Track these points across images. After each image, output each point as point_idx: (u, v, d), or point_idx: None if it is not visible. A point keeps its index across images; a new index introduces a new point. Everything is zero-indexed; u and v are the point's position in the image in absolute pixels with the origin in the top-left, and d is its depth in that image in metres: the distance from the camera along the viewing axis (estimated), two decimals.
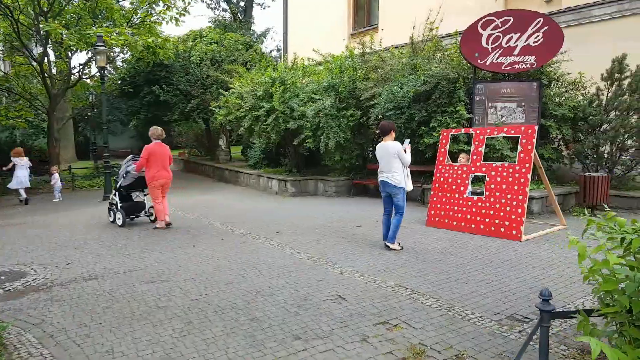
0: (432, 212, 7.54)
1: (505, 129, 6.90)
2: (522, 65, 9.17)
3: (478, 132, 7.23)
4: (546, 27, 8.98)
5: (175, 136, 25.80)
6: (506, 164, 6.76)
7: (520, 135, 6.64)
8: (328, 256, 5.87)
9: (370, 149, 12.88)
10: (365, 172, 12.32)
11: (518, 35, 9.12)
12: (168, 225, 8.00)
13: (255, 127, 12.67)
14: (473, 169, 7.14)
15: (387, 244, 6.14)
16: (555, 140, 9.80)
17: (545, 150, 9.27)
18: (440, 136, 7.74)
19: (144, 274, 5.28)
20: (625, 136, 8.36)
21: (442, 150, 7.63)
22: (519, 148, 6.61)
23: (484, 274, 4.99)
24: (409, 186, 6.11)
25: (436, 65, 9.90)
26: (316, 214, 9.15)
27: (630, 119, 8.21)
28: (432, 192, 7.67)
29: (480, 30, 9.27)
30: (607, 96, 8.98)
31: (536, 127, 6.54)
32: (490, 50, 9.26)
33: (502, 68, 9.27)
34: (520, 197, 6.45)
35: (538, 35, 9.02)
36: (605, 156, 8.79)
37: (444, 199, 7.43)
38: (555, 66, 9.67)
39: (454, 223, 7.20)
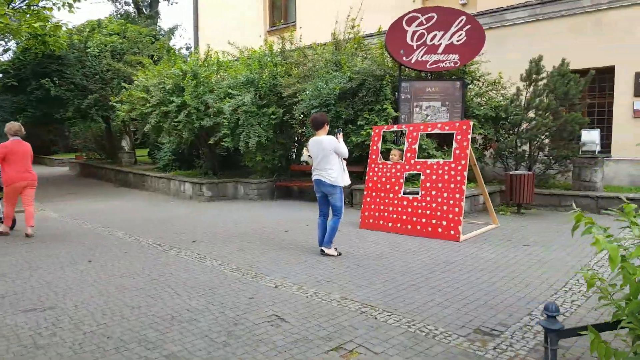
0: (366, 213, 7.04)
1: (439, 125, 6.61)
2: (446, 63, 9.07)
3: (411, 128, 6.86)
4: (469, 26, 8.97)
5: (71, 138, 23.22)
6: (441, 161, 6.45)
7: (455, 132, 6.36)
8: (257, 267, 5.08)
9: (294, 149, 12.23)
10: (289, 174, 11.63)
11: (442, 33, 9.01)
12: (29, 236, 6.78)
13: (164, 125, 11.44)
14: (407, 167, 6.75)
15: (324, 249, 5.49)
16: (477, 139, 9.85)
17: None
18: (372, 133, 7.28)
19: (20, 300, 4.11)
20: (544, 135, 8.52)
21: (374, 148, 7.17)
22: (454, 145, 6.33)
23: (434, 279, 4.52)
24: (346, 180, 5.53)
25: (361, 61, 9.49)
26: (238, 219, 8.27)
27: (548, 119, 8.38)
28: (365, 193, 7.18)
29: (405, 26, 9.03)
30: (525, 96, 9.16)
31: (471, 123, 6.31)
32: (415, 47, 9.05)
33: (427, 66, 9.10)
34: (457, 195, 6.15)
35: (461, 34, 8.98)
36: (526, 155, 8.93)
37: (378, 200, 6.96)
38: (475, 66, 9.73)
39: (389, 224, 6.75)
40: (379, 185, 6.98)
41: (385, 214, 6.84)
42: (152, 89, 11.47)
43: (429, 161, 6.58)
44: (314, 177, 5.57)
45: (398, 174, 6.83)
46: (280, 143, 11.53)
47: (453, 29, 8.99)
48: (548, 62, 9.13)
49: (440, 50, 9.05)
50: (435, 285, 4.35)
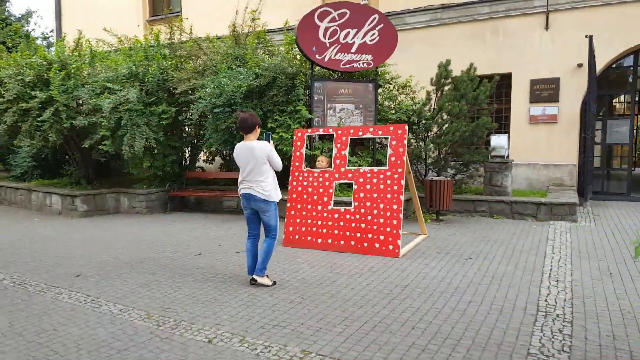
0: (290, 228, 6.17)
1: (371, 130, 6.00)
2: (360, 64, 8.59)
3: (340, 132, 6.16)
4: (381, 25, 8.59)
5: None
6: (375, 169, 5.85)
7: (389, 137, 5.81)
8: (175, 311, 3.92)
9: (188, 153, 10.84)
10: (184, 182, 10.22)
11: (355, 31, 8.50)
12: None
13: (23, 125, 9.28)
14: (337, 175, 6.04)
15: (256, 277, 4.49)
16: None
17: (381, 154, 8.88)
18: (294, 137, 6.43)
19: None
20: (456, 140, 8.46)
21: (298, 153, 6.33)
22: (389, 151, 5.77)
23: (398, 311, 3.84)
24: (278, 195, 4.60)
25: (268, 57, 8.57)
26: (128, 240, 6.80)
27: (460, 123, 8.34)
28: (288, 205, 6.29)
29: (317, 21, 8.34)
30: (435, 100, 9.07)
31: (406, 127, 5.80)
32: (328, 45, 8.41)
33: (341, 66, 8.53)
34: (395, 206, 5.59)
35: (374, 34, 8.57)
36: (436, 160, 8.82)
37: (304, 212, 6.13)
38: (386, 69, 9.42)
39: (319, 240, 5.97)
40: (305, 196, 6.16)
41: (314, 229, 6.04)
42: (7, 81, 9.26)
43: (362, 169, 5.94)
44: (242, 191, 4.55)
45: (327, 183, 6.08)
46: (172, 146, 10.11)
47: (366, 28, 8.54)
48: (441, 58, 9.21)
49: (353, 49, 8.53)
50: (405, 320, 3.65)
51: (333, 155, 6.12)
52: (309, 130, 6.44)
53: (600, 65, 9.41)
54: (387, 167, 5.75)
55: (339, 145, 6.10)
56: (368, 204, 5.76)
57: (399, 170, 5.65)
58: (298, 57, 9.33)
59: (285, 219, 6.25)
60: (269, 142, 4.60)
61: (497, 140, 8.61)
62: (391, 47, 8.67)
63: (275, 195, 4.52)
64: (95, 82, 9.38)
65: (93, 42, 11.06)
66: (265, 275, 4.56)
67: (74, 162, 10.87)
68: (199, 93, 8.81)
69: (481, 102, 8.65)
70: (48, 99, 9.09)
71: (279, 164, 4.58)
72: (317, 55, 8.35)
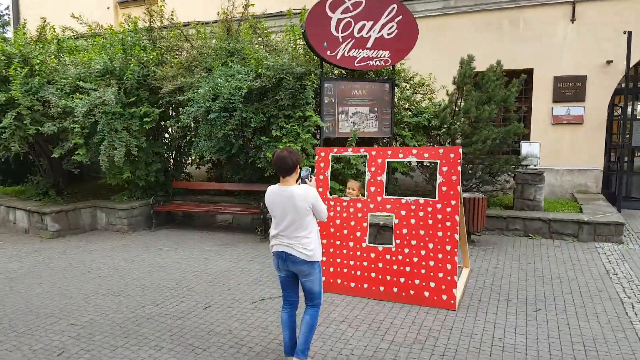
0: None
1: (414, 151, 4.96)
2: (376, 61, 7.52)
3: (374, 153, 5.11)
4: (400, 17, 7.53)
5: None
6: (422, 200, 4.84)
7: (438, 161, 4.80)
8: None
9: (172, 159, 9.58)
10: (170, 191, 8.99)
11: (371, 23, 7.41)
12: None
13: None
14: (372, 206, 5.01)
15: None
16: None
17: (400, 164, 7.90)
18: (317, 157, 5.34)
19: None
20: (486, 149, 7.51)
21: (322, 177, 5.26)
22: (439, 179, 4.77)
23: None
24: (320, 254, 3.56)
25: (271, 54, 7.37)
26: (114, 279, 5.62)
27: (491, 130, 7.40)
28: None
29: (328, 12, 7.19)
30: (456, 102, 8.08)
31: (460, 151, 4.80)
32: (340, 39, 7.29)
33: (355, 64, 7.44)
34: (448, 247, 4.63)
35: (392, 26, 7.50)
36: (463, 172, 7.87)
37: (331, 250, 5.10)
38: (406, 65, 8.35)
39: (352, 284, 4.98)
40: (332, 230, 5.12)
41: (345, 270, 5.03)
42: None
43: (404, 199, 4.92)
44: (275, 249, 3.49)
45: (359, 215, 5.05)
46: (155, 153, 8.87)
47: (383, 20, 7.45)
48: (459, 53, 8.24)
49: (369, 44, 7.44)
50: None
51: (366, 180, 5.07)
52: (335, 149, 5.37)
53: (631, 62, 8.60)
54: (436, 199, 4.75)
55: (373, 168, 5.06)
56: (413, 242, 4.78)
57: (453, 202, 4.66)
58: (302, 50, 8.17)
59: None
60: (308, 180, 3.53)
61: (529, 149, 7.74)
62: (411, 42, 7.62)
63: (320, 253, 3.48)
64: (65, 80, 8.00)
65: (59, 31, 9.57)
66: (309, 358, 3.54)
67: (41, 170, 9.47)
68: (189, 94, 7.58)
69: (510, 104, 7.73)
70: (8, 100, 7.69)
71: (324, 213, 3.53)
72: (328, 52, 7.23)
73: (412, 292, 4.73)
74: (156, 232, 8.27)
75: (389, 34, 7.48)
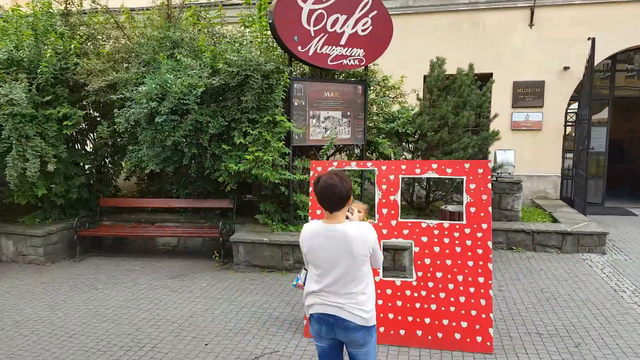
0: None
1: (434, 166, 4.17)
2: (350, 60, 6.69)
3: (385, 168, 4.25)
4: (375, 12, 6.77)
5: None
6: (446, 224, 4.08)
7: (464, 177, 4.07)
8: None
9: (95, 171, 7.95)
10: (98, 210, 7.40)
11: (345, 17, 6.55)
12: None
13: None
14: (385, 231, 4.15)
15: None
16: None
17: (372, 173, 7.16)
18: (312, 172, 4.36)
19: None
20: (468, 157, 7.02)
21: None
22: (466, 198, 4.04)
23: None
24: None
25: (235, 47, 6.22)
26: (36, 332, 4.17)
27: (470, 137, 6.93)
28: (306, 272, 4.26)
29: (299, 1, 6.22)
30: (427, 106, 7.51)
31: (490, 165, 4.11)
32: (313, 33, 6.35)
33: (328, 62, 6.54)
34: (481, 279, 3.92)
35: (367, 22, 6.72)
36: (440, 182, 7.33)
37: None
38: (378, 66, 7.60)
39: None
40: None
41: None
42: None
43: (425, 222, 4.13)
44: (318, 310, 2.51)
45: None
46: (76, 164, 7.28)
47: (357, 14, 6.63)
48: (423, 62, 7.79)
49: (343, 41, 6.58)
50: None
51: (377, 200, 4.20)
52: (335, 162, 4.42)
53: (584, 68, 8.66)
54: (464, 222, 4.02)
55: (384, 186, 4.20)
56: (439, 274, 4.00)
57: (484, 226, 3.96)
58: (265, 45, 7.08)
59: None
60: (356, 213, 2.59)
61: (504, 156, 7.39)
62: (385, 40, 6.90)
63: (374, 312, 2.56)
64: None
65: None
66: None
67: None
68: (126, 92, 6.18)
69: (484, 110, 7.33)
70: None
71: (381, 258, 2.63)
72: (299, 47, 6.25)
73: (439, 335, 3.95)
74: (82, 262, 6.70)
75: (363, 30, 6.68)
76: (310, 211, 4.30)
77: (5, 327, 4.43)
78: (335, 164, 4.42)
